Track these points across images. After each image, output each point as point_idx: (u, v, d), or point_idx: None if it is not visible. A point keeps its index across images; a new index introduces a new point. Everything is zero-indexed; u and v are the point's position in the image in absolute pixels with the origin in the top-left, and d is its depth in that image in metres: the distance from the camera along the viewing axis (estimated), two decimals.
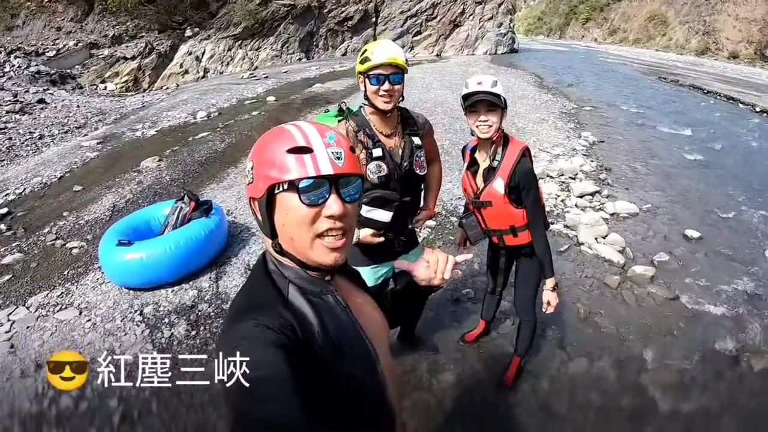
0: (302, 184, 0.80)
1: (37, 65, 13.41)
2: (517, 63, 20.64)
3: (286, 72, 15.37)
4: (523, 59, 22.78)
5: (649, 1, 43.93)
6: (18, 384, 2.69)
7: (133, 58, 15.43)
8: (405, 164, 2.03)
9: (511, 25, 26.64)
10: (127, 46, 15.83)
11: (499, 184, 2.16)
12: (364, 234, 2.05)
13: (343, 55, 20.77)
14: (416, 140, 2.07)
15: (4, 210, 5.13)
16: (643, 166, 7.23)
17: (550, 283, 2.30)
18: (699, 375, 2.94)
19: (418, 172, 2.08)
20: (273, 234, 0.87)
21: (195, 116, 9.26)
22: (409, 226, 2.22)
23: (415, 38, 24.75)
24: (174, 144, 7.44)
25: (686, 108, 12.89)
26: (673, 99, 14.28)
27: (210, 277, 3.63)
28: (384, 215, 2.06)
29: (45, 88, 12.27)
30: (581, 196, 5.53)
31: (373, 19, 21.47)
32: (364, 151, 1.97)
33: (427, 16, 24.36)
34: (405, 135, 2.07)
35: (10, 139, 8.00)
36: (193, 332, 3.07)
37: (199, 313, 3.25)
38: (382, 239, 2.05)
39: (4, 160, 7.16)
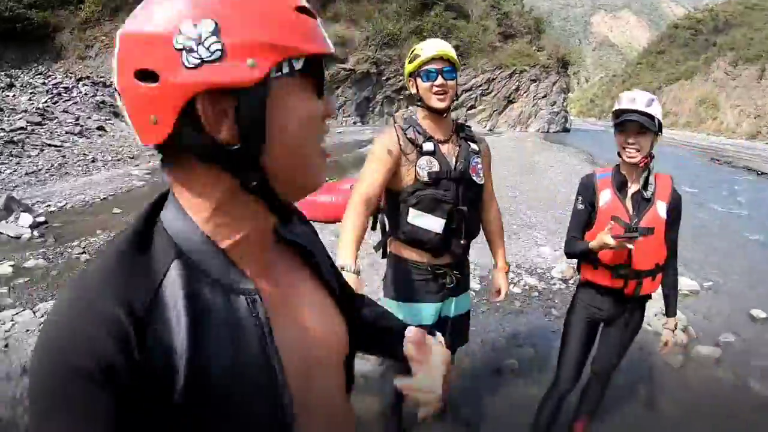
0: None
1: (102, 95, 14.26)
2: (569, 141, 20.73)
3: (340, 133, 15.92)
4: (576, 138, 22.82)
5: (700, 84, 44.06)
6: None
7: None
8: (460, 166, 1.80)
9: (564, 104, 27.00)
10: None
11: (661, 208, 1.88)
12: None
13: None
14: (473, 146, 1.88)
15: (42, 218, 5.27)
16: (700, 245, 6.75)
17: (673, 322, 2.06)
18: None
19: (474, 178, 1.83)
20: (256, 153, 0.50)
21: None
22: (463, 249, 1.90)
23: (470, 111, 25.20)
24: None
25: (741, 189, 12.47)
26: (727, 180, 13.87)
27: None
28: (435, 223, 1.77)
29: (107, 117, 12.96)
30: None
31: None
32: (414, 148, 1.77)
33: (482, 90, 24.95)
34: (460, 140, 1.87)
35: (64, 156, 8.34)
36: None
37: None
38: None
39: (54, 175, 7.41)
